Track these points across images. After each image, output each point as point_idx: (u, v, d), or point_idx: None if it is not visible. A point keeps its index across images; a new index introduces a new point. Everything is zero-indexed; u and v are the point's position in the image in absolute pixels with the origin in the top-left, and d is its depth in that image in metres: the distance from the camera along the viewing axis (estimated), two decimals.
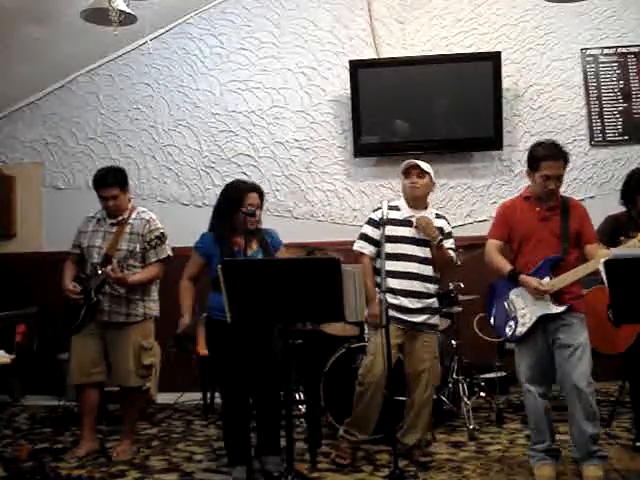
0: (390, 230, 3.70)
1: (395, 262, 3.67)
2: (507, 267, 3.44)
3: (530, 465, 3.45)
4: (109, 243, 4.00)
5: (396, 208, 3.81)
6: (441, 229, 3.80)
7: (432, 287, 3.80)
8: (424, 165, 3.78)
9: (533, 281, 3.34)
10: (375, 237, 3.78)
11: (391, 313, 3.61)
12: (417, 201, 3.82)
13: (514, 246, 3.49)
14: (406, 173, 3.81)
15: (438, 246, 3.69)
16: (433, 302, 3.81)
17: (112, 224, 4.06)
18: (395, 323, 3.64)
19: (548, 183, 3.35)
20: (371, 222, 3.85)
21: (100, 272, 3.89)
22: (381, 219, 3.65)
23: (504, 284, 3.49)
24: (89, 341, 4.00)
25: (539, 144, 3.47)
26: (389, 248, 3.69)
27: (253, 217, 3.56)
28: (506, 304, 3.47)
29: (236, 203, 3.55)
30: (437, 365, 3.83)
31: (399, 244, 3.71)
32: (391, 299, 3.63)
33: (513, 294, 3.45)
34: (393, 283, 3.65)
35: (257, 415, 3.65)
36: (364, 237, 3.85)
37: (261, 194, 3.66)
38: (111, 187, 3.99)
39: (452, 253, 3.82)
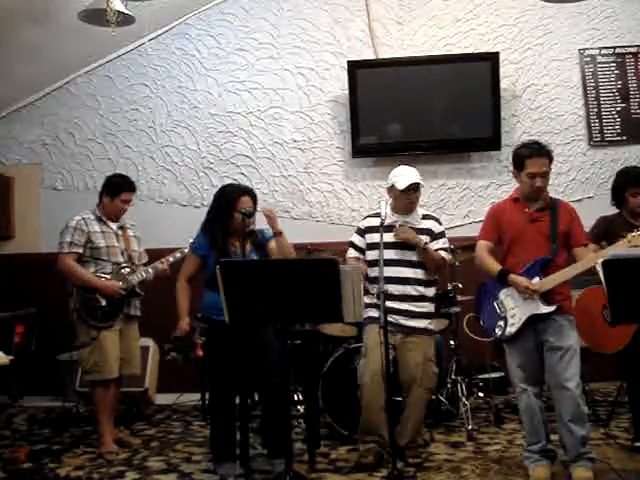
0: (371, 238, 3.85)
1: (377, 268, 3.66)
2: (497, 267, 3.45)
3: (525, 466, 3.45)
4: (126, 244, 4.32)
5: (377, 215, 3.77)
6: (430, 230, 3.84)
7: (422, 289, 3.81)
8: (420, 181, 3.83)
9: (523, 280, 3.35)
10: (358, 244, 3.94)
11: (374, 314, 3.64)
12: (411, 212, 3.88)
13: (504, 247, 3.51)
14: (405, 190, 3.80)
15: (423, 249, 3.73)
16: (422, 305, 3.81)
17: (120, 227, 4.34)
18: (379, 324, 3.59)
19: (534, 181, 3.37)
20: (357, 231, 4.00)
21: (151, 268, 4.25)
22: (381, 223, 3.64)
23: (494, 284, 3.50)
24: (114, 338, 4.20)
25: (522, 145, 3.51)
26: (371, 255, 3.84)
27: (251, 217, 3.57)
28: (496, 304, 3.47)
29: (229, 207, 3.58)
30: (431, 367, 3.77)
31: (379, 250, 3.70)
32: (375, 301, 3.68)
33: (503, 294, 3.45)
34: (376, 289, 3.65)
35: (263, 417, 3.65)
36: (351, 244, 4.00)
37: (254, 197, 3.66)
38: (134, 193, 4.38)
39: (443, 253, 3.83)
